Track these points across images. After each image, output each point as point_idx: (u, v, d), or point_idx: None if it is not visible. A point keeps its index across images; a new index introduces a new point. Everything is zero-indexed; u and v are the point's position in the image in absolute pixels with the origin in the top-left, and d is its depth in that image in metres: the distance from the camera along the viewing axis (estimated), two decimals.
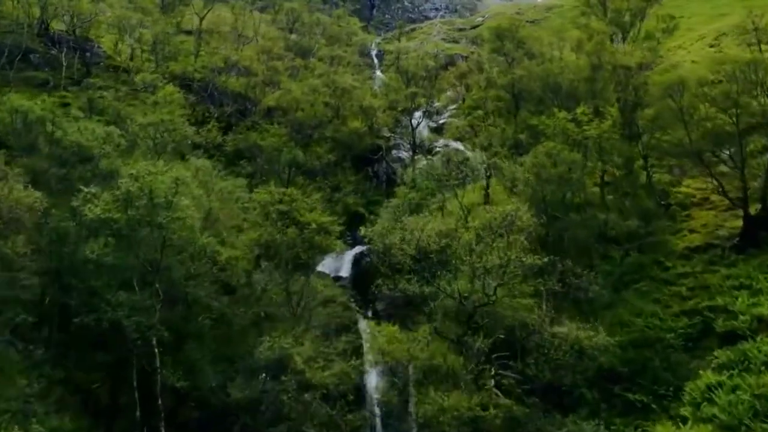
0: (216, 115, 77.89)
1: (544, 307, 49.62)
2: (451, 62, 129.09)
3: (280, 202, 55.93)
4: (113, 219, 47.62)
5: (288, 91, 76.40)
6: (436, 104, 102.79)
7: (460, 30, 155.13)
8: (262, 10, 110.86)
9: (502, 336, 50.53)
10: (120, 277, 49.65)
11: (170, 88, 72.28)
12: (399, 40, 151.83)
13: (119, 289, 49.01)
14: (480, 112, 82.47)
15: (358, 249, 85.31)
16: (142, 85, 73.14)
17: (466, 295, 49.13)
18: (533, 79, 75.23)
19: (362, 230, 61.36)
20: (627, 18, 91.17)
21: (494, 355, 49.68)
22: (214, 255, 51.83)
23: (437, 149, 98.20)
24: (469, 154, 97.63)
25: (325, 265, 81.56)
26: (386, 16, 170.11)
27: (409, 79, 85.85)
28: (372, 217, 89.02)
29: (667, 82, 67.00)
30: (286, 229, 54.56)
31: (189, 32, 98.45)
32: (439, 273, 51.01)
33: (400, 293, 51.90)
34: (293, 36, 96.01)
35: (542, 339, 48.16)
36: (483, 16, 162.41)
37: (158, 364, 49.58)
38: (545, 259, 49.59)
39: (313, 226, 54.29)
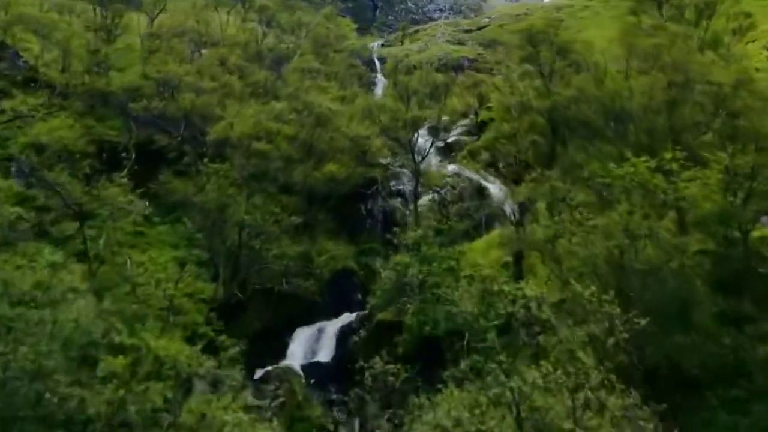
0: (129, 156, 48.42)
1: None
2: (457, 66, 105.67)
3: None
4: None
5: (241, 118, 46.67)
6: (444, 118, 73.15)
7: (466, 31, 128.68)
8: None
9: None
10: None
11: (57, 120, 42.99)
12: (402, 42, 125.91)
13: None
14: (511, 148, 52.12)
15: (346, 319, 56.88)
16: (15, 114, 43.57)
17: None
18: (587, 101, 45.43)
19: None
20: (689, 15, 61.50)
21: None
22: None
23: (446, 179, 68.86)
24: (483, 183, 69.21)
25: (298, 345, 53.58)
26: (389, 17, 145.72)
27: (410, 97, 56.18)
28: (364, 273, 60.79)
29: None
30: None
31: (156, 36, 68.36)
32: None
33: None
34: (268, 40, 65.91)
35: None
36: (489, 17, 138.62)
37: None
38: None
39: None
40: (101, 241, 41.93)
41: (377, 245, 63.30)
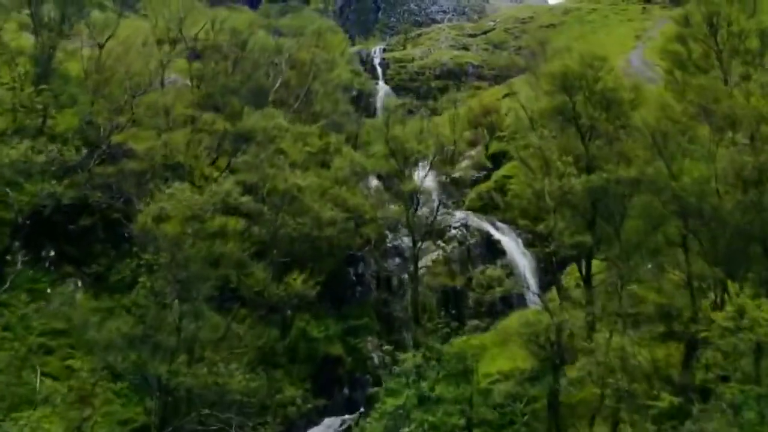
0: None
1: None
2: (462, 72, 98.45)
3: None
4: None
5: (177, 202, 30.69)
6: (448, 147, 57.15)
7: (471, 36, 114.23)
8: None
9: None
10: None
11: None
12: (404, 46, 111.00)
13: None
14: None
15: (327, 428, 41.51)
16: None
17: None
18: (651, 185, 29.45)
19: None
20: (748, 44, 45.24)
21: None
22: None
23: (452, 230, 53.01)
24: (496, 236, 53.65)
25: None
26: (391, 19, 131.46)
27: (406, 159, 40.18)
28: (353, 359, 45.21)
29: None
30: None
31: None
32: None
33: None
34: (240, 67, 49.42)
35: None
36: (494, 20, 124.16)
37: None
38: None
39: None
40: None
41: (370, 320, 48.00)
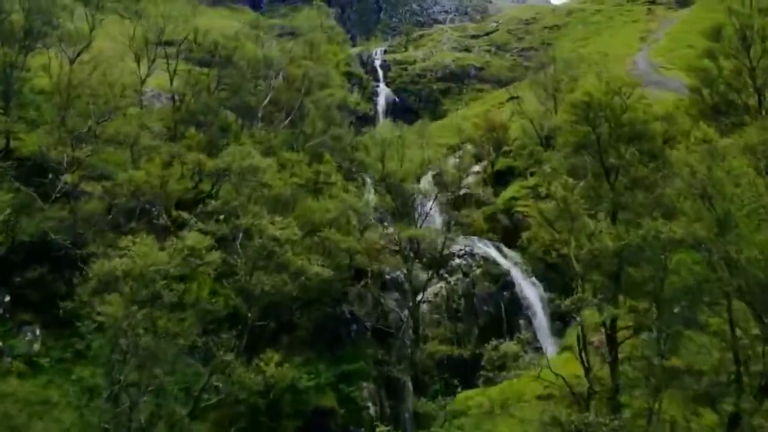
0: None
1: None
2: (464, 74, 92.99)
3: None
4: None
5: (130, 261, 24.80)
6: (453, 161, 51.36)
7: (473, 37, 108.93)
8: None
9: None
10: None
11: None
12: (406, 48, 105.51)
13: None
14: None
15: None
16: None
17: None
18: (697, 248, 23.46)
19: None
20: None
21: None
22: None
23: (456, 259, 46.99)
24: (506, 265, 47.94)
25: None
26: (393, 19, 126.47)
27: (407, 200, 34.28)
28: (347, 411, 39.25)
29: None
30: None
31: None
32: None
33: None
34: (225, 83, 43.26)
35: None
36: (497, 21, 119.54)
37: None
38: None
39: None
40: None
41: (365, 365, 42.06)
